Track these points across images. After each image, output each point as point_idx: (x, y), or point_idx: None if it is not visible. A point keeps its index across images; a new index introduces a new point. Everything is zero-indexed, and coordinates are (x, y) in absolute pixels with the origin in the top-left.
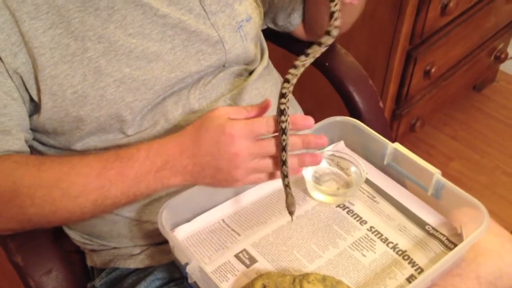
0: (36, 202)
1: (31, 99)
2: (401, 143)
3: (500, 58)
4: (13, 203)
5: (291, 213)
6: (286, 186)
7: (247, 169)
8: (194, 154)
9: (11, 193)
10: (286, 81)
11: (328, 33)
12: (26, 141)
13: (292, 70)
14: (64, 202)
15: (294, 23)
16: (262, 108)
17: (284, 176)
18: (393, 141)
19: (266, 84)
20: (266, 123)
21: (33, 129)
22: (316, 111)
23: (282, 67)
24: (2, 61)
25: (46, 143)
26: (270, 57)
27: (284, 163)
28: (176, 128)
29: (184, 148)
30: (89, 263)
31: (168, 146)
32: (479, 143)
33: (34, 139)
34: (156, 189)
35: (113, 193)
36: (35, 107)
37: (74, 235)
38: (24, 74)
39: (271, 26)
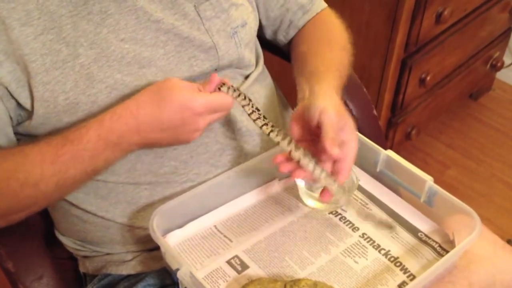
0: None
1: (21, 107)
2: (397, 151)
3: (496, 67)
4: None
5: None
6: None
7: (202, 131)
8: (153, 129)
9: None
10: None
11: None
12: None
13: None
14: (25, 191)
15: (280, 42)
16: (213, 84)
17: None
18: (388, 148)
19: (261, 89)
20: (225, 99)
21: (24, 134)
22: None
23: (278, 73)
24: None
25: None
26: (266, 63)
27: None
28: None
29: (142, 125)
30: (81, 269)
31: (121, 121)
32: (475, 152)
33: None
34: (116, 159)
35: (72, 174)
36: (26, 114)
37: (67, 242)
38: (10, 83)
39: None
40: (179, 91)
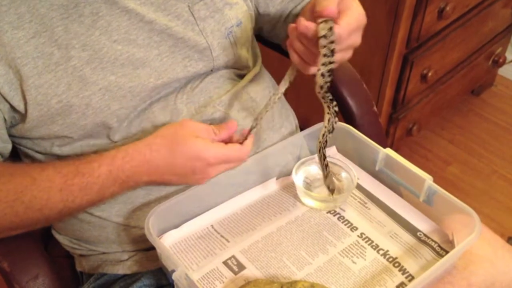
0: None
1: (15, 110)
2: (398, 148)
3: (498, 63)
4: None
5: (332, 190)
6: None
7: (211, 178)
8: (164, 173)
9: None
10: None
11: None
12: (1, 154)
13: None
14: (28, 214)
15: (279, 34)
16: (230, 130)
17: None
18: (389, 145)
19: (258, 89)
20: (239, 152)
21: (19, 137)
22: (312, 115)
23: (277, 72)
24: None
25: (31, 148)
26: (265, 61)
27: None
28: None
29: (153, 169)
30: (78, 268)
31: (133, 163)
32: (476, 148)
33: (20, 145)
34: (122, 193)
35: (78, 203)
36: (19, 116)
37: (63, 240)
38: (2, 86)
39: (259, 33)
40: (194, 139)
